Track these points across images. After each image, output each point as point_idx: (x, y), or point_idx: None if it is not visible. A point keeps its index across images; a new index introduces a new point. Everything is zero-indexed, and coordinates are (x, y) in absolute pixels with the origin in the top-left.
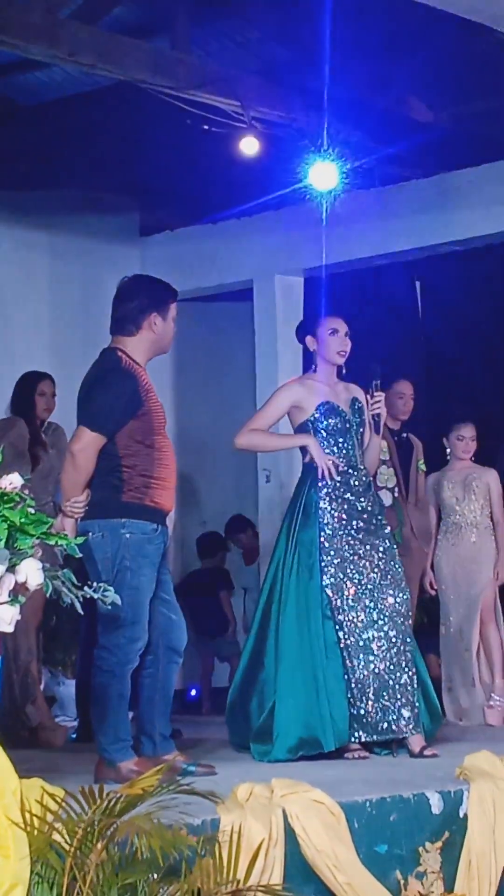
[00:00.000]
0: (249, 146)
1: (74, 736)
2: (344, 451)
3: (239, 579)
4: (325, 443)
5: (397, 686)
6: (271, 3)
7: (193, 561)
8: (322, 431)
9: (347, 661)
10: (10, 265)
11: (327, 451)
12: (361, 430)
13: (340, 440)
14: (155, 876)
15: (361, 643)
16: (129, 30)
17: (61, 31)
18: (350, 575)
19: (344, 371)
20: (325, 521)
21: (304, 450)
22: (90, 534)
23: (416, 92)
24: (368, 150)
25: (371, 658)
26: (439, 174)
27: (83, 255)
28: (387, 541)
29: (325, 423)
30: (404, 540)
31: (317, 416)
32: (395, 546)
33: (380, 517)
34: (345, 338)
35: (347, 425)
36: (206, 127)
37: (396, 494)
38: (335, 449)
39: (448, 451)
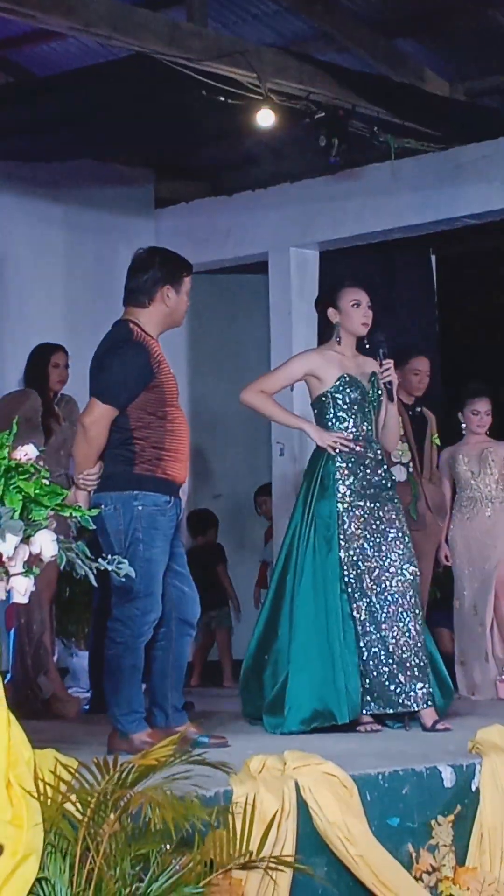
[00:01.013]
0: (266, 118)
1: (87, 707)
2: (361, 424)
3: (252, 553)
4: (343, 415)
5: (410, 659)
6: None
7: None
8: (340, 403)
9: (361, 634)
10: (24, 237)
11: (344, 424)
12: (378, 404)
13: (358, 413)
14: (168, 847)
15: (375, 616)
16: (144, 1)
17: (77, 2)
18: (366, 548)
19: (366, 343)
20: (342, 493)
21: (318, 421)
22: (103, 506)
23: (432, 65)
24: (384, 123)
25: (384, 631)
26: (455, 147)
27: (97, 228)
28: (399, 515)
29: (344, 395)
30: (419, 514)
31: (335, 388)
32: (405, 520)
33: (392, 492)
34: (367, 309)
35: (365, 399)
36: (222, 99)
37: (411, 469)
38: (352, 422)
39: (463, 425)
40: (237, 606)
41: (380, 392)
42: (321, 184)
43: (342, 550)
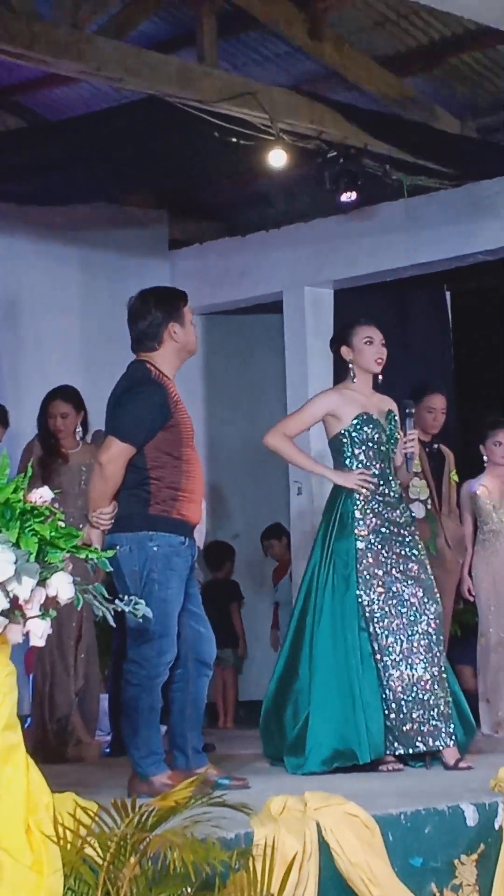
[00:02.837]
0: (278, 158)
1: (108, 750)
2: (378, 463)
3: (260, 595)
4: (360, 453)
5: (432, 698)
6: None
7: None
8: (357, 441)
9: (383, 673)
10: (41, 279)
11: (362, 462)
12: (395, 441)
13: (375, 451)
14: (188, 890)
15: (396, 655)
16: (155, 44)
17: (88, 46)
18: (385, 586)
19: (380, 379)
20: (361, 532)
21: (336, 459)
22: (118, 547)
23: (442, 102)
24: (396, 161)
25: (406, 670)
26: (468, 184)
27: (113, 269)
28: (419, 552)
29: (361, 433)
30: (438, 551)
31: (353, 426)
32: (426, 557)
33: (412, 529)
34: (381, 346)
35: (383, 437)
36: (233, 139)
37: (429, 506)
38: (370, 460)
39: (485, 458)
40: (243, 650)
41: (394, 427)
42: (334, 223)
43: (361, 589)
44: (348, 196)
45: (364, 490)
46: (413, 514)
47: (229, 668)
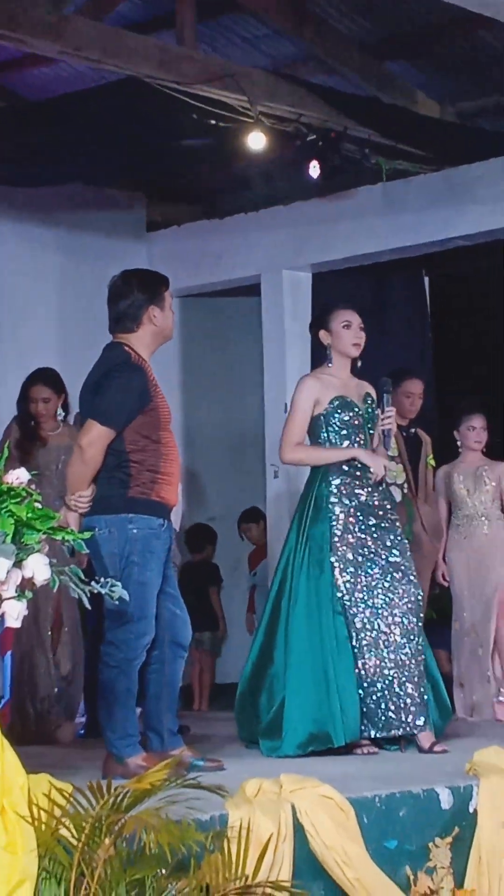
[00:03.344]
0: (256, 141)
1: (83, 732)
2: (355, 446)
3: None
4: (336, 436)
5: (408, 682)
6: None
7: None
8: (335, 425)
9: (358, 657)
10: (18, 262)
11: (337, 445)
12: (373, 424)
13: (353, 435)
14: (163, 871)
15: (372, 638)
16: (134, 25)
17: (67, 26)
18: (361, 570)
19: (359, 364)
20: (336, 516)
21: (312, 443)
22: (96, 529)
23: (423, 87)
24: (375, 145)
25: (382, 653)
26: (447, 169)
27: (90, 252)
28: (398, 536)
29: (339, 416)
30: (415, 536)
31: (330, 409)
32: (405, 541)
33: (391, 512)
34: (359, 330)
35: (360, 420)
36: (212, 122)
37: (406, 490)
38: (345, 443)
39: (459, 443)
40: (223, 632)
41: (372, 410)
42: (313, 206)
43: (336, 573)
44: (314, 167)
45: (378, 475)
46: (393, 498)
47: (206, 650)
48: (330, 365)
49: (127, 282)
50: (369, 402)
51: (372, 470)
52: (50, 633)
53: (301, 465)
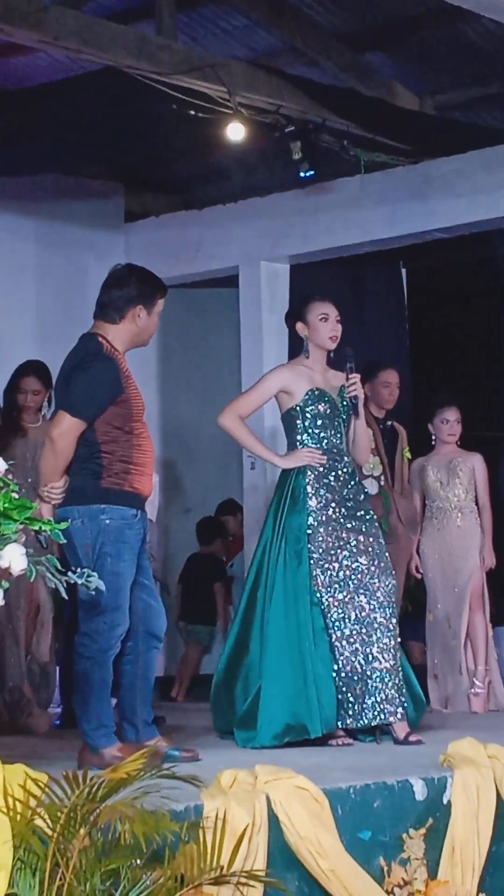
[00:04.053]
0: (235, 132)
1: (59, 722)
2: (331, 438)
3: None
4: (312, 428)
5: (383, 673)
6: None
7: (178, 549)
8: (309, 417)
9: (334, 648)
10: None
11: (313, 437)
12: (348, 417)
13: (328, 427)
14: (138, 862)
15: (348, 630)
16: (114, 15)
17: (46, 15)
18: (337, 561)
19: (332, 356)
20: (313, 507)
21: (288, 435)
22: (70, 520)
23: (401, 79)
24: (354, 137)
25: (358, 645)
26: (425, 161)
27: (68, 242)
28: (372, 528)
29: (313, 408)
30: (391, 528)
31: (304, 402)
32: (380, 533)
33: (364, 505)
34: (335, 323)
35: (335, 412)
36: (192, 112)
37: (382, 483)
38: (321, 435)
39: (433, 436)
40: (223, 628)
41: (348, 406)
42: (291, 198)
43: (313, 564)
44: (297, 153)
45: (316, 463)
46: (367, 490)
47: (195, 643)
48: (307, 357)
49: (128, 274)
50: (342, 393)
51: (293, 465)
52: (24, 623)
53: (229, 435)
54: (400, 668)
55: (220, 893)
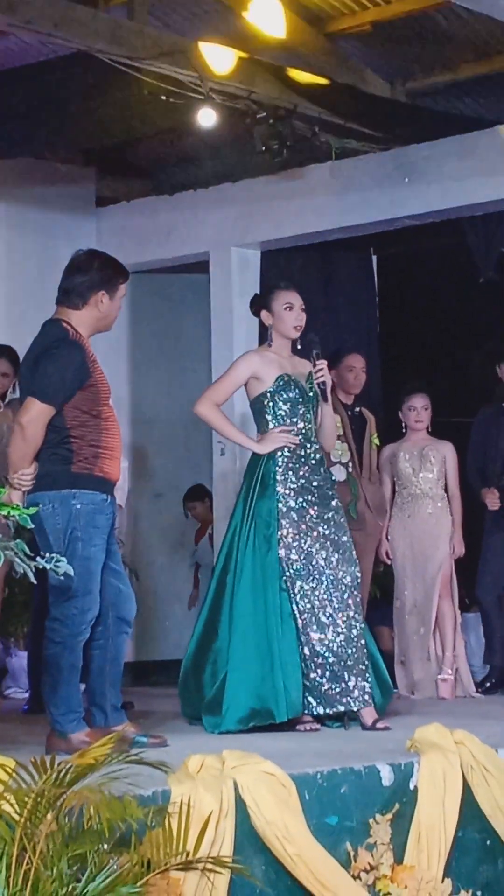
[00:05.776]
0: (207, 118)
1: (27, 707)
2: (300, 425)
3: (181, 555)
4: (282, 414)
5: (350, 659)
6: None
7: (147, 534)
8: (279, 402)
9: (301, 633)
10: None
11: (283, 423)
12: (316, 404)
13: (297, 413)
14: (105, 847)
15: (316, 615)
16: None
17: None
18: (306, 547)
19: (298, 346)
20: (282, 493)
21: (258, 420)
22: (41, 505)
23: (373, 66)
24: (325, 123)
25: (325, 631)
26: (396, 149)
27: (38, 226)
28: (338, 515)
29: (283, 395)
30: (359, 514)
31: (275, 388)
32: (345, 520)
33: (331, 492)
34: (300, 312)
35: (303, 399)
36: (163, 97)
37: (350, 469)
38: (291, 421)
39: (404, 424)
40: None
41: (315, 392)
42: (262, 184)
43: (282, 549)
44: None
45: (290, 444)
46: (334, 477)
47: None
48: (270, 345)
49: (90, 259)
50: (310, 379)
51: (270, 449)
52: None
53: (207, 423)
54: (366, 654)
55: (187, 878)
